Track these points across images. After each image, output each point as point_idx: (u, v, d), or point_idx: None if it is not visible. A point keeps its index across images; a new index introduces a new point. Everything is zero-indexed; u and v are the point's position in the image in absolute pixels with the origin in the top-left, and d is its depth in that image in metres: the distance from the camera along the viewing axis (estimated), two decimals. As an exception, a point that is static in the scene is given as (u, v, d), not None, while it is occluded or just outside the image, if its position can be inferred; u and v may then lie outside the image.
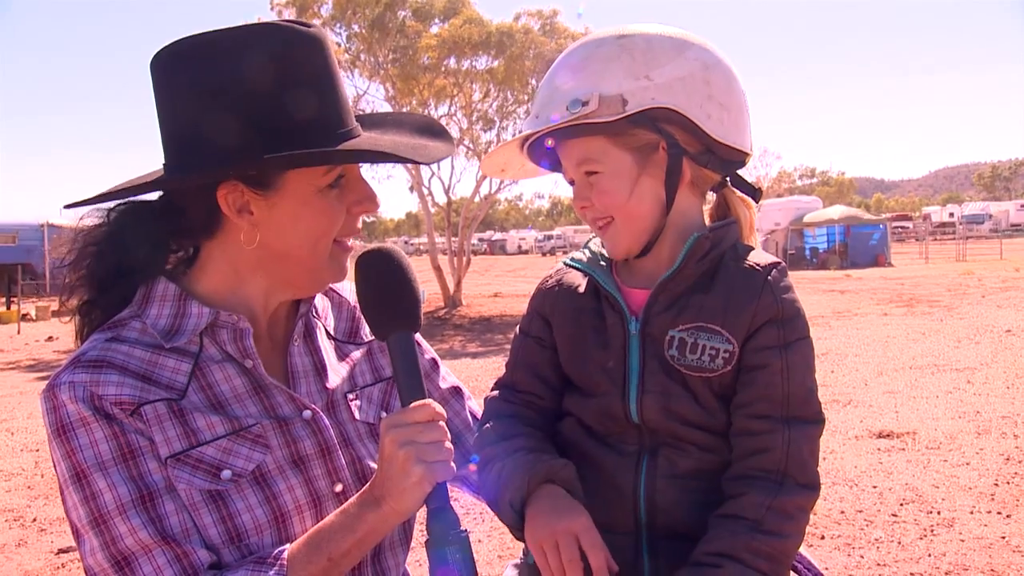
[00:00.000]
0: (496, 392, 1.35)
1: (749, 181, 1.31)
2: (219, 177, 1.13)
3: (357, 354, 1.38)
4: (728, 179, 1.30)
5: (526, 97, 17.44)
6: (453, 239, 19.23)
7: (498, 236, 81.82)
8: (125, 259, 1.21)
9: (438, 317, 16.31)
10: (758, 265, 1.21)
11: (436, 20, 17.07)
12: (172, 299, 1.19)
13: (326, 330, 1.36)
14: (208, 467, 1.12)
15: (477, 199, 19.30)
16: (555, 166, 1.32)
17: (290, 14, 16.84)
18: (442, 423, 1.08)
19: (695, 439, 1.19)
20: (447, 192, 19.14)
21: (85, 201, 1.18)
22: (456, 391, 1.50)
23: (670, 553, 1.18)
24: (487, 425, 1.30)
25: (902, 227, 49.23)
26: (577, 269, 1.32)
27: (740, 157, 1.27)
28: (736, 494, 1.14)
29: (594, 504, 1.16)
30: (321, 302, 1.38)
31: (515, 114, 17.91)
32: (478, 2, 17.49)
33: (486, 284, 27.41)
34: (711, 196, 1.33)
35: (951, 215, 62.63)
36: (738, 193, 1.31)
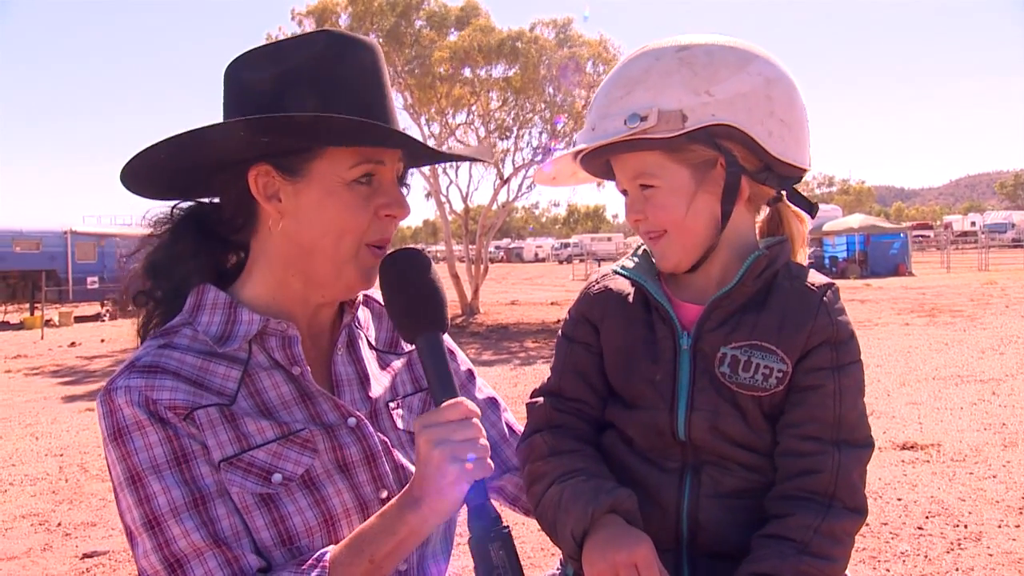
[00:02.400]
0: (541, 399, 1.32)
1: (804, 195, 1.29)
2: (254, 130, 1.12)
3: (398, 364, 1.39)
4: (783, 193, 1.28)
5: (543, 105, 17.48)
6: (471, 247, 19.26)
7: (515, 244, 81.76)
8: (176, 249, 1.26)
9: (455, 325, 16.33)
10: (813, 285, 1.21)
11: (451, 29, 17.16)
12: (222, 307, 1.22)
13: (368, 340, 1.37)
14: (259, 471, 1.14)
15: (495, 207, 19.34)
16: (606, 173, 1.31)
17: (310, 23, 17.01)
18: (476, 420, 1.08)
19: (740, 458, 1.18)
20: (465, 200, 19.20)
21: (139, 155, 1.18)
22: (492, 402, 1.50)
23: (711, 570, 1.17)
24: (536, 436, 1.28)
25: (923, 236, 48.78)
26: (625, 277, 1.30)
27: (798, 173, 1.25)
28: (782, 514, 1.12)
29: None
30: (363, 313, 1.40)
31: (532, 122, 17.95)
32: (491, 10, 17.59)
33: (503, 292, 27.41)
34: (764, 208, 1.31)
35: (973, 224, 61.87)
36: (792, 208, 1.29)
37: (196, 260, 1.26)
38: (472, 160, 1.40)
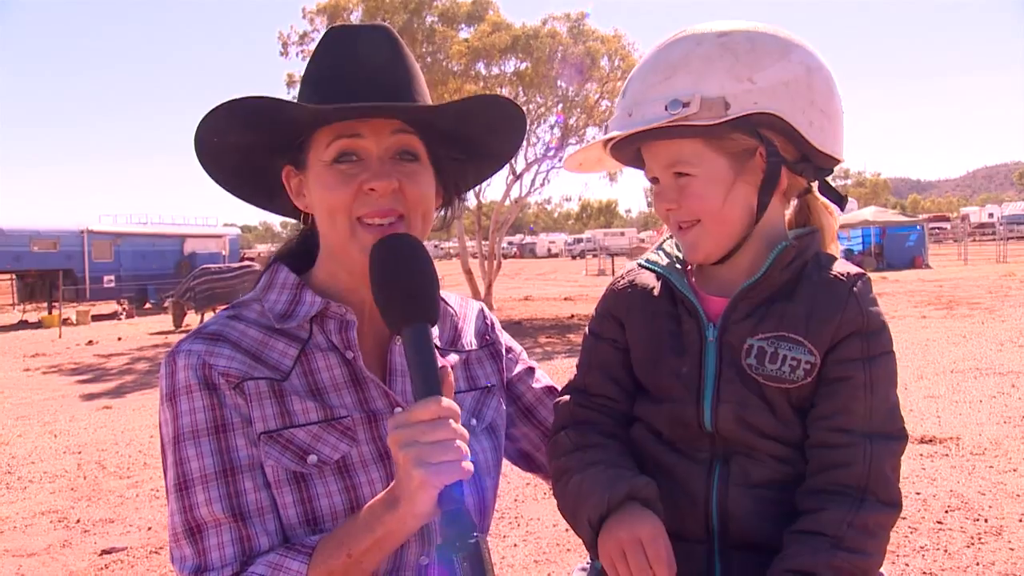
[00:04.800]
0: (568, 397, 1.32)
1: (834, 187, 1.27)
2: (212, 131, 1.20)
3: (455, 360, 1.38)
4: (812, 185, 1.27)
5: (555, 100, 17.42)
6: (483, 242, 19.25)
7: (528, 239, 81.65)
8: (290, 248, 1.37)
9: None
10: (843, 275, 1.18)
11: (462, 25, 17.14)
12: (290, 287, 1.27)
13: None
14: (297, 449, 1.17)
15: (507, 203, 19.32)
16: (634, 161, 1.28)
17: (321, 21, 17.06)
18: (451, 421, 1.01)
19: (770, 450, 1.16)
20: (477, 195, 19.17)
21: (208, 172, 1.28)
22: (551, 391, 1.49)
23: (743, 564, 1.15)
24: (561, 433, 1.28)
25: (940, 228, 48.22)
26: (651, 271, 1.29)
27: (833, 164, 1.24)
28: (814, 509, 1.11)
29: (666, 512, 1.14)
30: None
31: (544, 118, 17.90)
32: (503, 5, 17.56)
33: (516, 288, 27.40)
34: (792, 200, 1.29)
35: (990, 215, 61.27)
36: (822, 200, 1.28)
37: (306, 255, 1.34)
38: (481, 104, 1.26)
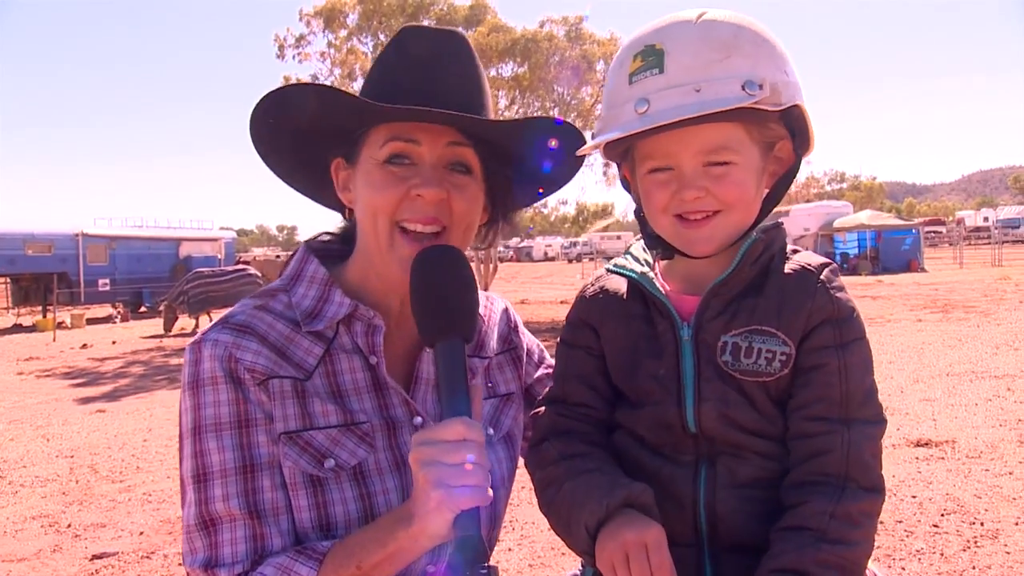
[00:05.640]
0: (545, 408, 1.30)
1: None
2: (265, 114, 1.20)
3: (479, 368, 1.36)
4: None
5: (551, 103, 17.44)
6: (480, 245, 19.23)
7: (524, 243, 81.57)
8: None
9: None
10: (810, 265, 1.18)
11: (460, 28, 17.17)
12: (319, 282, 1.25)
13: None
14: (315, 452, 1.15)
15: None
16: (616, 151, 1.23)
17: (317, 24, 17.06)
18: (473, 445, 0.98)
19: (755, 447, 1.15)
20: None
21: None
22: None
23: (734, 566, 1.14)
24: (544, 443, 1.26)
25: (935, 232, 48.33)
26: (620, 275, 1.28)
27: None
28: (796, 503, 1.09)
29: None
30: None
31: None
32: (500, 9, 17.59)
33: (513, 291, 27.40)
34: None
35: (986, 219, 61.56)
36: None
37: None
38: (535, 125, 1.24)
